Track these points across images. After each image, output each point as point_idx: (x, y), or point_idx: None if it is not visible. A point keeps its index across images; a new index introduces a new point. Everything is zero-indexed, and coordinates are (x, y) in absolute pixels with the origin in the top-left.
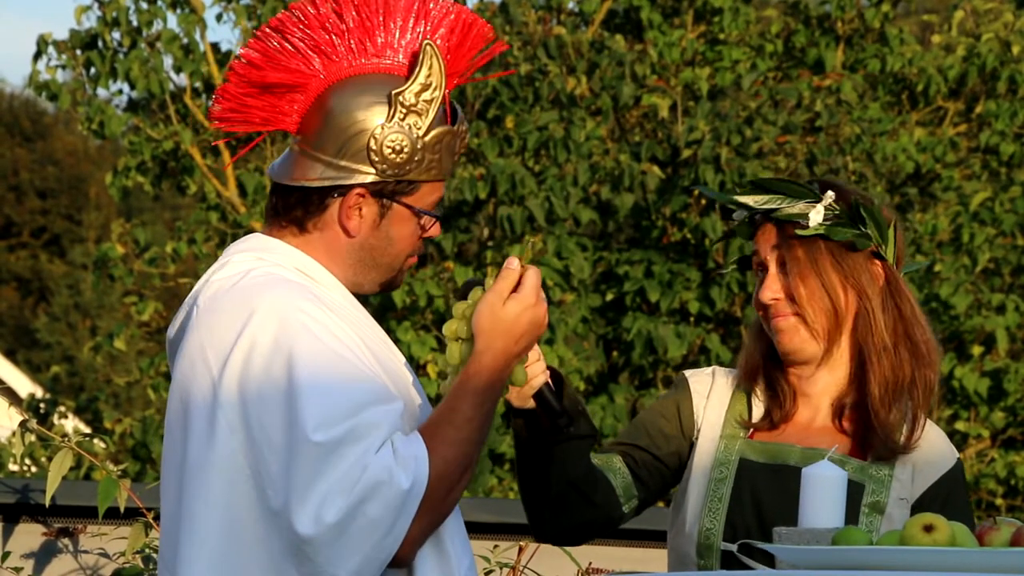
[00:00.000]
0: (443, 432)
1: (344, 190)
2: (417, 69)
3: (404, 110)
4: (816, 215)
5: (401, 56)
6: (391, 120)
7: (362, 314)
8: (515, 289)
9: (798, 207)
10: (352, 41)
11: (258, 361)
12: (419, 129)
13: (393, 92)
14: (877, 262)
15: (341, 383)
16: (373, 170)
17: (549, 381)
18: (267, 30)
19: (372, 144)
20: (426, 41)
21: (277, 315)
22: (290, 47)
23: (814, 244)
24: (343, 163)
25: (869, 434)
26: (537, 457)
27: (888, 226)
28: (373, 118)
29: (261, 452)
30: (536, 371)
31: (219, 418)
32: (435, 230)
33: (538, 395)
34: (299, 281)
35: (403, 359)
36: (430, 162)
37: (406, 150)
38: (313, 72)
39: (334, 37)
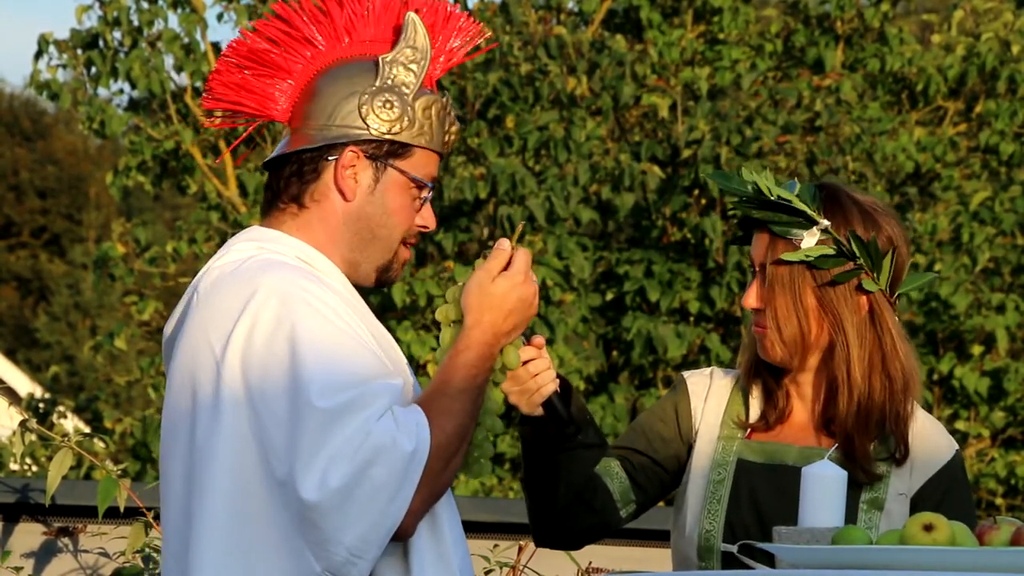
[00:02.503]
0: (438, 404)
1: (338, 150)
2: (402, 36)
3: (392, 73)
4: (808, 240)
5: (384, 40)
6: (381, 80)
7: (361, 304)
8: (505, 269)
9: (793, 229)
10: (337, 31)
11: (260, 337)
12: (408, 90)
13: (381, 57)
14: (863, 295)
15: (344, 355)
16: (366, 128)
17: (558, 389)
18: (255, 28)
19: (363, 101)
20: (408, 12)
21: (278, 293)
22: (278, 38)
23: (798, 267)
24: (335, 125)
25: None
26: (544, 465)
27: (885, 255)
28: (364, 81)
29: (265, 425)
30: (546, 379)
31: (223, 396)
32: (428, 215)
33: (547, 403)
34: (299, 267)
35: (401, 352)
36: (421, 126)
37: (397, 108)
38: (301, 60)
39: (318, 26)
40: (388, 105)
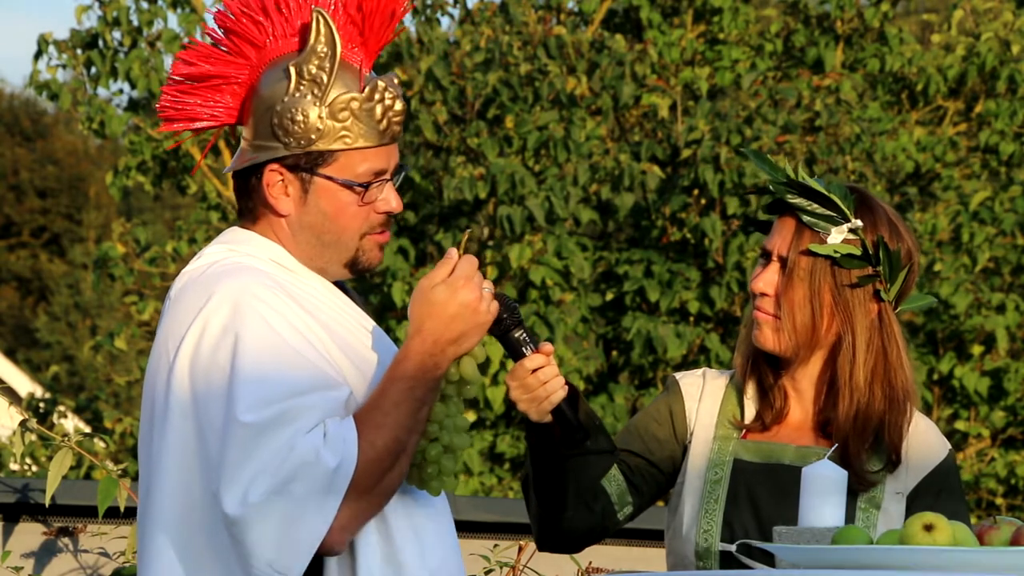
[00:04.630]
0: (371, 417)
1: (260, 169)
2: (310, 38)
3: (301, 80)
4: (835, 236)
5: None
6: (290, 92)
7: (339, 300)
8: None
9: (823, 222)
10: (274, 26)
11: (207, 346)
12: (318, 97)
13: (289, 64)
14: (876, 302)
15: (280, 368)
16: (280, 144)
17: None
18: (202, 31)
19: (275, 119)
20: (315, 8)
21: (230, 301)
22: (224, 41)
23: (821, 261)
24: (257, 143)
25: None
26: (553, 472)
27: (903, 268)
28: (277, 93)
29: (205, 435)
30: (555, 386)
31: (172, 404)
32: (393, 202)
33: (556, 410)
34: (268, 270)
35: (381, 350)
36: (339, 130)
37: (309, 119)
38: (247, 62)
39: (258, 25)
40: (296, 119)
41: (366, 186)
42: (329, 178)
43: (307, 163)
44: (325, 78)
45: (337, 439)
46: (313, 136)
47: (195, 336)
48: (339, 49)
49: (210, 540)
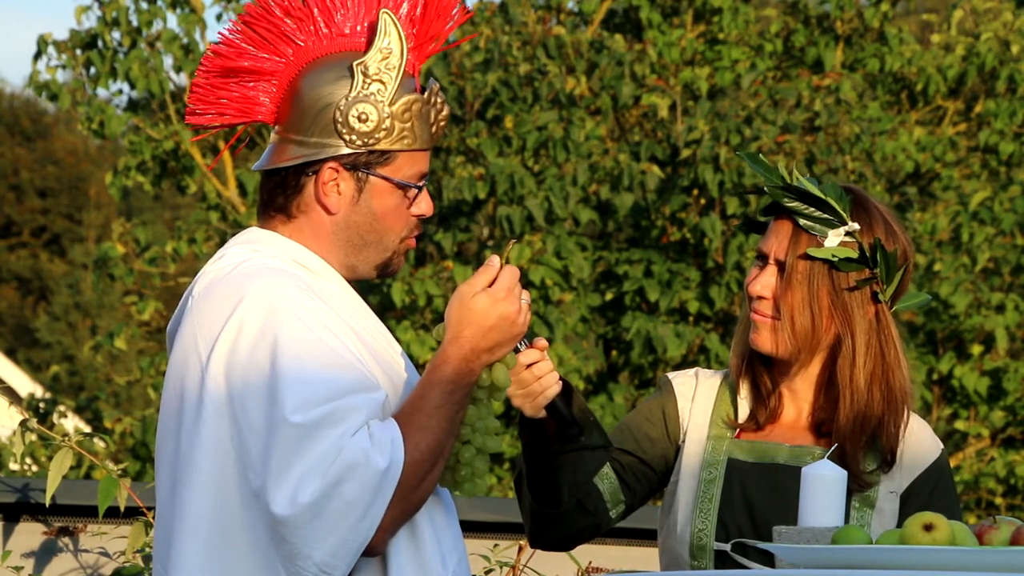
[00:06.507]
0: (414, 420)
1: (316, 166)
2: (376, 38)
3: (367, 80)
4: (832, 239)
5: (364, 34)
6: (354, 91)
7: (360, 305)
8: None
9: (819, 225)
10: (316, 24)
11: (244, 346)
12: (384, 97)
13: (354, 63)
14: (873, 304)
15: (323, 369)
16: (342, 142)
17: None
18: (234, 23)
19: (338, 116)
20: (382, 9)
21: (265, 302)
22: (258, 36)
23: (819, 264)
24: (313, 140)
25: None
26: (547, 468)
27: (899, 269)
28: (338, 91)
29: (243, 435)
30: (550, 382)
31: (206, 403)
32: (425, 205)
33: (550, 406)
34: (293, 272)
35: (400, 351)
36: (401, 131)
37: (372, 118)
38: (283, 59)
39: (298, 22)
40: (363, 117)
41: (420, 188)
42: (385, 178)
43: (366, 162)
44: (392, 79)
45: (384, 441)
46: (379, 136)
47: (230, 337)
48: (405, 51)
49: (248, 538)
